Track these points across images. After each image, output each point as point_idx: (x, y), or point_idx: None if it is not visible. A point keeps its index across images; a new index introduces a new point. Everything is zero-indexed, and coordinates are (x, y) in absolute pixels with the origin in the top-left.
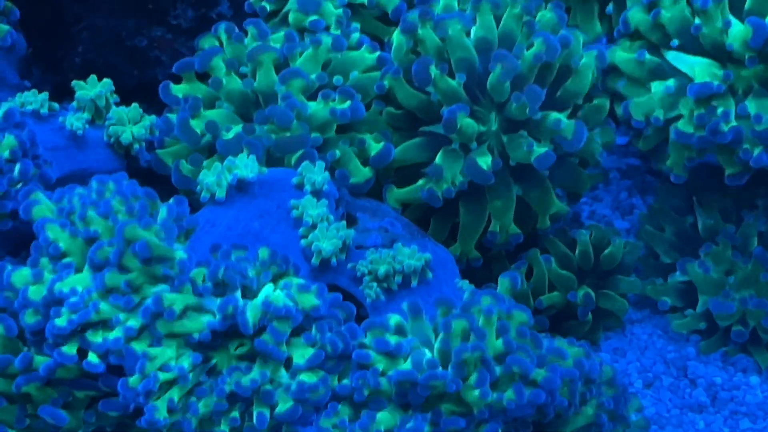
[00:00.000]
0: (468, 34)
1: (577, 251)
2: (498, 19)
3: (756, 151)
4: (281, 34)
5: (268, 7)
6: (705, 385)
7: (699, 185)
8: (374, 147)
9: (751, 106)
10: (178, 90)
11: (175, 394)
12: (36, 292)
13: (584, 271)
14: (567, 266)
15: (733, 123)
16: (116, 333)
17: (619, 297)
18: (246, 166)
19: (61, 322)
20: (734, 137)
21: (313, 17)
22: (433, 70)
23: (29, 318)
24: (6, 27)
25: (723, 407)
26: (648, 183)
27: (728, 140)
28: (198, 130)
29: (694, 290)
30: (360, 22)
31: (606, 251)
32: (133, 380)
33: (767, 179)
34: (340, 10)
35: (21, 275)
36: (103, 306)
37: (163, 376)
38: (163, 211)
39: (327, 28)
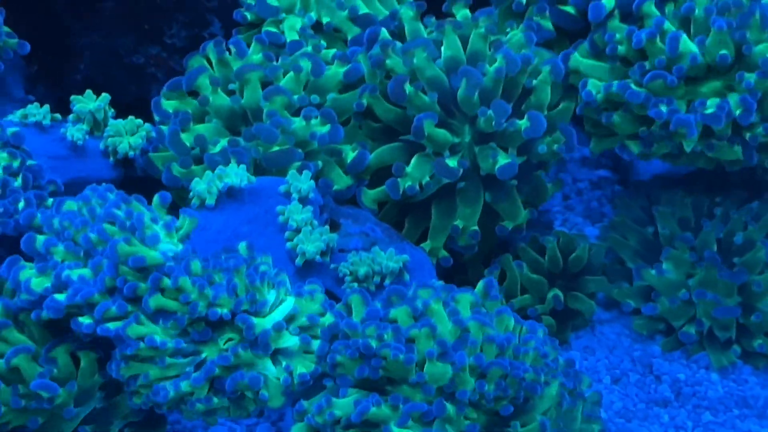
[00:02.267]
0: (435, 57)
1: (546, 256)
2: (463, 39)
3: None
4: (260, 55)
5: (248, 17)
6: (669, 382)
7: (658, 195)
8: (350, 154)
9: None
10: (169, 105)
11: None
12: (39, 284)
13: (554, 274)
14: (537, 270)
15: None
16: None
17: (587, 298)
18: (236, 174)
19: (60, 297)
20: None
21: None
22: (408, 88)
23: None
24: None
25: (686, 402)
26: (617, 193)
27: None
28: (187, 143)
29: (657, 293)
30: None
31: (573, 254)
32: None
33: (724, 189)
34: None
35: (27, 271)
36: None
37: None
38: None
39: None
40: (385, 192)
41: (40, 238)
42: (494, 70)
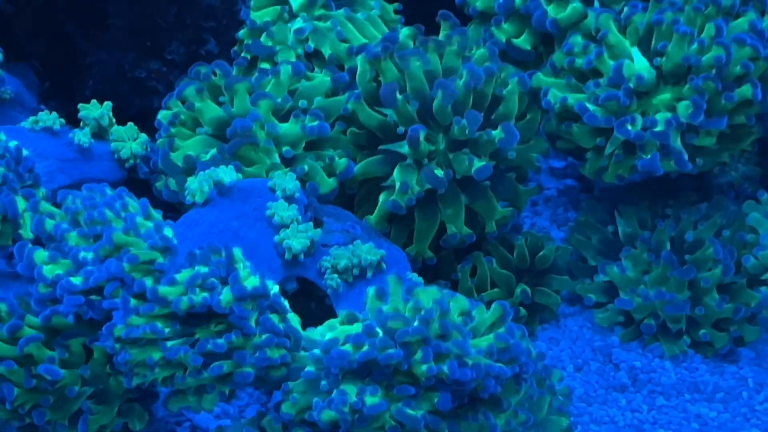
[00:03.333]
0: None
1: (514, 254)
2: (440, 56)
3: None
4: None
5: (248, 57)
6: (627, 369)
7: (619, 199)
8: (339, 164)
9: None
10: (164, 116)
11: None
12: (50, 271)
13: (521, 270)
14: (506, 266)
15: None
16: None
17: (553, 293)
18: (226, 173)
19: (76, 280)
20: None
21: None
22: (400, 97)
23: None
24: None
25: (642, 387)
26: (581, 200)
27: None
28: (178, 163)
29: (616, 288)
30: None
31: (540, 253)
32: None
33: (675, 193)
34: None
35: (40, 255)
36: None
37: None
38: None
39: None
40: (386, 210)
41: (50, 221)
42: (463, 84)
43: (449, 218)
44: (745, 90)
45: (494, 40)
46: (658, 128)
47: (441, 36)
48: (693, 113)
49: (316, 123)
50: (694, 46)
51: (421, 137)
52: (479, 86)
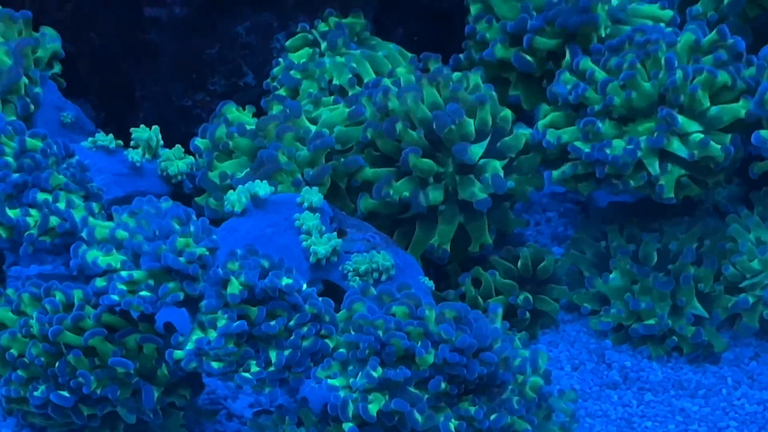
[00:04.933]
0: (422, 100)
1: (519, 263)
2: (437, 88)
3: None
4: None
5: (281, 91)
6: (618, 368)
7: (611, 218)
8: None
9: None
10: (201, 143)
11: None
12: (104, 261)
13: (524, 279)
14: (510, 276)
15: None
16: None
17: (553, 301)
18: (261, 187)
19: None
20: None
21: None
22: (399, 126)
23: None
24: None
25: (632, 384)
26: (579, 221)
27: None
28: (216, 180)
29: (607, 298)
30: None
31: (541, 264)
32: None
33: (663, 211)
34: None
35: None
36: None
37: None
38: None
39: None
40: (377, 203)
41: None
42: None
43: (441, 232)
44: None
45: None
46: (632, 147)
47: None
48: (657, 138)
49: (319, 140)
50: (661, 77)
51: (411, 159)
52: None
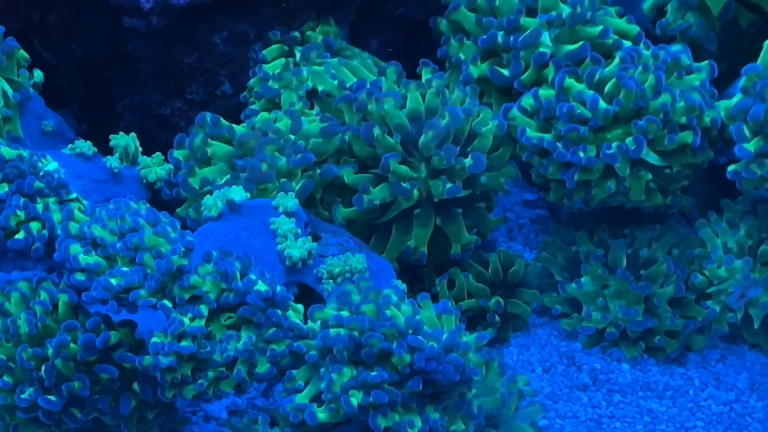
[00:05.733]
0: (402, 107)
1: (489, 269)
2: (422, 95)
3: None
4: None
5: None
6: (588, 371)
7: (582, 224)
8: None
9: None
10: (179, 154)
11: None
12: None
13: (495, 284)
14: (481, 280)
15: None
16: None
17: (524, 304)
18: (237, 192)
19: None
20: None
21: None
22: (377, 131)
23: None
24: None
25: (602, 386)
26: (551, 226)
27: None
28: (196, 186)
29: (579, 301)
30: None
31: (511, 269)
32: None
33: (633, 218)
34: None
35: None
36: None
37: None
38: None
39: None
40: (354, 211)
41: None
42: (444, 125)
43: (417, 235)
44: (686, 136)
45: (473, 83)
46: (610, 152)
47: (423, 80)
48: (635, 149)
49: (299, 156)
50: (646, 92)
51: (391, 164)
52: (459, 126)
